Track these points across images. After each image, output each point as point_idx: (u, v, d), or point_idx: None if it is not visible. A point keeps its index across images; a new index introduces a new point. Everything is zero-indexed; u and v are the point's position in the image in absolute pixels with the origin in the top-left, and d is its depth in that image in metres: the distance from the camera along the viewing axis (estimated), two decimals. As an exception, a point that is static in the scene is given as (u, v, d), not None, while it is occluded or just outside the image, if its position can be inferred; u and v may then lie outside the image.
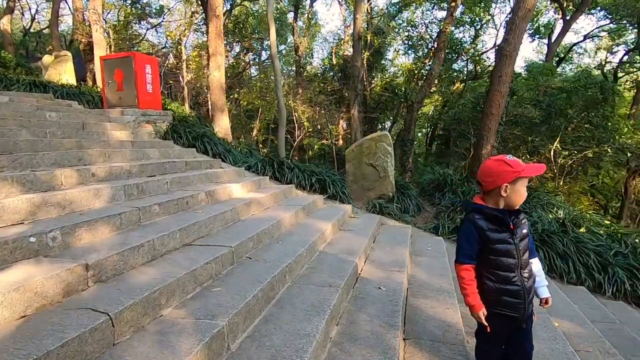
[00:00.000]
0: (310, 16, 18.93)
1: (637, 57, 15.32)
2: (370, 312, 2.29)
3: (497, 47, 6.49)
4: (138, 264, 2.14)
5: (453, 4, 9.57)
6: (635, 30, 13.76)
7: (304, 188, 5.20)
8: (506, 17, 18.34)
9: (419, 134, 20.42)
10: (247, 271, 2.37)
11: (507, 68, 5.90)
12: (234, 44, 16.48)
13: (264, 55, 21.04)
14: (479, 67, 16.39)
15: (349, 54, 16.12)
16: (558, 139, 8.31)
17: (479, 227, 1.59)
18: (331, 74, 17.04)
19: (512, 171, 1.54)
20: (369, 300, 2.46)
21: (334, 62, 17.22)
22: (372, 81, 16.10)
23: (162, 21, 16.32)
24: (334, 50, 18.05)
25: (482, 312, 1.60)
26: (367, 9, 13.75)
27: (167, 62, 14.04)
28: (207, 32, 8.49)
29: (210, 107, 7.99)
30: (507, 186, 1.55)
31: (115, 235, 2.37)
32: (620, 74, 15.73)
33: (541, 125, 8.39)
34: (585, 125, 7.94)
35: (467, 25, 15.59)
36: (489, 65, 16.72)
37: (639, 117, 10.06)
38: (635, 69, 16.01)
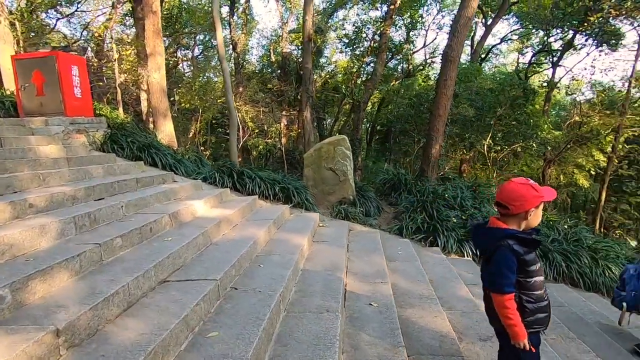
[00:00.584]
0: (246, 11, 18.31)
1: (542, 58, 17.51)
2: (370, 333, 2.26)
3: (442, 53, 6.88)
4: (114, 316, 1.85)
5: (392, 6, 9.94)
6: (540, 34, 15.68)
7: (267, 198, 5.01)
8: (433, 19, 19.67)
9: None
10: (239, 306, 2.18)
11: (451, 72, 6.30)
12: (164, 39, 15.33)
13: (197, 51, 19.92)
14: (411, 65, 17.35)
15: (288, 50, 15.97)
16: (490, 135, 9.15)
17: (517, 252, 1.59)
18: (269, 70, 16.73)
19: (538, 196, 1.59)
20: (365, 319, 2.43)
21: (273, 59, 16.93)
22: (314, 79, 16.18)
23: (76, 11, 14.55)
24: (272, 47, 17.73)
25: (527, 339, 1.61)
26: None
27: (85, 57, 12.53)
28: (135, 27, 7.75)
29: (151, 112, 7.29)
30: (533, 210, 1.60)
31: (77, 281, 2.02)
32: (529, 74, 17.85)
33: (475, 123, 9.17)
34: (513, 122, 8.87)
35: (401, 27, 16.36)
36: (420, 64, 17.85)
37: (551, 114, 11.50)
38: (541, 69, 18.29)
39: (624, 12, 8.17)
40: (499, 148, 9.04)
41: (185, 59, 19.14)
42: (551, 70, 12.28)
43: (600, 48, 11.25)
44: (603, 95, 10.87)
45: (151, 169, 4.88)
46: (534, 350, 1.65)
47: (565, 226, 5.61)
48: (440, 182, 6.74)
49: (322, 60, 18.29)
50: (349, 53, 17.02)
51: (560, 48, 12.88)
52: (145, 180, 4.11)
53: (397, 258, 3.91)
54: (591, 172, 11.44)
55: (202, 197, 3.97)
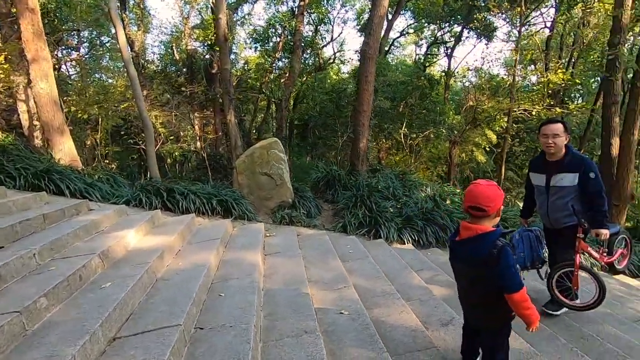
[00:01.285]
0: (141, 5, 16.55)
1: (435, 49, 19.49)
2: (351, 345, 2.25)
3: (360, 51, 7.14)
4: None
5: (302, 2, 9.96)
6: (432, 27, 17.41)
7: (204, 214, 4.64)
8: (338, 13, 20.30)
9: (273, 124, 20.99)
10: (213, 348, 1.97)
11: (371, 68, 6.59)
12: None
13: (82, 50, 17.46)
14: (321, 59, 17.76)
15: (193, 48, 14.96)
16: (405, 124, 9.89)
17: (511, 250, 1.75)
18: (174, 69, 15.50)
19: (502, 193, 1.77)
20: (341, 331, 2.41)
21: (177, 57, 15.70)
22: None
23: None
24: (174, 44, 16.40)
25: None
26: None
27: None
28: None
29: (42, 128, 6.14)
30: (502, 207, 1.76)
31: (0, 368, 1.59)
32: (427, 64, 19.75)
33: (391, 114, 9.82)
34: (423, 111, 9.73)
35: (310, 22, 16.56)
36: (329, 58, 18.36)
37: (450, 100, 12.91)
38: (436, 60, 20.36)
39: (502, 11, 9.50)
40: (414, 135, 9.86)
41: (68, 59, 16.62)
42: (447, 60, 13.72)
43: (480, 40, 13.08)
44: (487, 82, 12.50)
45: (57, 199, 4.12)
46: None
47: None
48: (370, 174, 7.06)
49: (232, 57, 17.60)
50: (259, 49, 16.67)
51: (452, 40, 14.49)
52: (54, 215, 3.44)
53: (350, 257, 3.98)
54: (486, 149, 13.19)
55: (132, 225, 3.50)
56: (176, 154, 15.05)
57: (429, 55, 20.01)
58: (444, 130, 9.33)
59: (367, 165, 7.11)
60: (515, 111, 8.95)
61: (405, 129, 9.72)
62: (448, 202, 5.94)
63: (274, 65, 14.29)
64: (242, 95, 14.38)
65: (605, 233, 2.80)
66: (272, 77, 13.18)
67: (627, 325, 3.54)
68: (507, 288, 1.71)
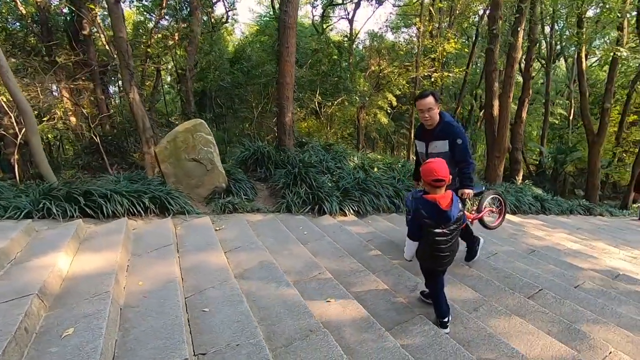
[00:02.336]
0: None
1: (330, 11, 19.57)
2: (354, 332, 2.38)
3: (278, 19, 6.70)
4: None
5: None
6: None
7: (136, 215, 4.05)
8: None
9: (167, 97, 18.87)
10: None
11: (291, 39, 6.31)
12: None
13: None
14: (213, 18, 16.21)
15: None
16: (318, 93, 9.96)
17: None
18: (17, 25, 12.27)
19: None
20: (338, 320, 2.51)
21: (24, 12, 12.43)
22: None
23: None
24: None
25: None
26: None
27: None
28: None
29: None
30: None
31: None
32: (325, 27, 19.80)
33: (303, 82, 9.72)
34: (335, 79, 9.89)
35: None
36: (222, 16, 16.82)
37: (354, 66, 13.37)
38: (332, 22, 20.50)
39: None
40: (330, 104, 10.04)
41: None
42: (349, 26, 13.97)
43: (371, 3, 13.62)
44: (385, 47, 13.25)
45: None
46: None
47: (399, 165, 7.02)
48: (297, 148, 7.04)
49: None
50: (135, 3, 14.18)
51: (349, 1, 14.68)
52: (-64, 250, 2.60)
53: (308, 239, 4.04)
54: (387, 111, 14.29)
55: (56, 246, 2.89)
56: (49, 136, 12.50)
57: (325, 18, 20.03)
58: (357, 98, 9.72)
59: (293, 140, 7.04)
60: (422, 77, 9.80)
61: (319, 97, 9.82)
62: (375, 170, 6.38)
63: (159, 25, 12.46)
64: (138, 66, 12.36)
65: (468, 193, 3.15)
66: (171, 43, 11.55)
67: (527, 258, 4.50)
68: None
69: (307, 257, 3.46)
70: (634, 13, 13.05)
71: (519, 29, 7.58)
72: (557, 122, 22.50)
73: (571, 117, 20.55)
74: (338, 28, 19.95)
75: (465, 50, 15.38)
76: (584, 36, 12.50)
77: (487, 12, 7.94)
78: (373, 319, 2.49)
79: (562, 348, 2.48)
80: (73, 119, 11.96)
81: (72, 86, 11.58)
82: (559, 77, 23.81)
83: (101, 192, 3.89)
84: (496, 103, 8.17)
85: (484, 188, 3.48)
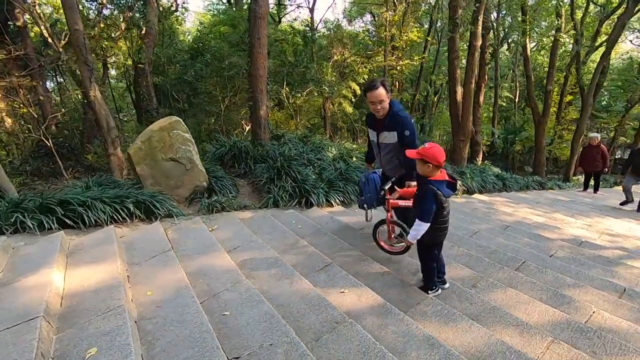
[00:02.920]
0: None
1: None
2: (372, 318, 2.46)
3: (249, 9, 6.46)
4: None
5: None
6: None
7: (120, 221, 3.80)
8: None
9: (114, 93, 17.65)
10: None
11: (263, 30, 6.14)
12: None
13: None
14: (161, 7, 15.29)
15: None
16: (285, 85, 9.83)
17: None
18: None
19: None
20: (358, 310, 2.58)
21: None
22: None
23: None
24: None
25: None
26: None
27: None
28: None
29: None
30: None
31: None
32: (281, 17, 19.44)
33: (271, 73, 9.52)
34: (302, 69, 9.80)
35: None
36: (170, 4, 15.90)
37: (318, 56, 13.31)
38: (288, 12, 20.19)
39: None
40: (299, 95, 9.95)
41: None
42: (309, 15, 13.82)
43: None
44: (347, 37, 13.31)
45: None
46: None
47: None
48: (274, 141, 6.95)
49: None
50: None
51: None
52: None
53: (304, 233, 4.05)
54: (351, 100, 14.44)
55: (48, 263, 2.67)
56: (-13, 139, 11.24)
57: (280, 6, 19.69)
58: (326, 88, 9.73)
59: (269, 133, 6.94)
60: (392, 66, 9.98)
61: (287, 89, 9.70)
62: (354, 159, 6.49)
63: (101, 14, 11.52)
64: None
65: (414, 184, 3.08)
66: (117, 34, 10.72)
67: (504, 233, 4.87)
68: None
69: (310, 250, 3.49)
70: (566, 0, 14.25)
71: (478, 17, 8.02)
72: (504, 104, 24.09)
73: (516, 100, 22.12)
74: (301, 17, 19.77)
75: (427, 38, 15.90)
76: (528, 25, 13.44)
77: (448, 2, 8.27)
78: (389, 304, 2.59)
79: (555, 312, 2.75)
80: (8, 121, 10.81)
81: (3, 84, 10.45)
82: (503, 62, 25.39)
83: (79, 200, 3.61)
84: (459, 89, 8.61)
85: None
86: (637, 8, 12.26)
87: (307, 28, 12.43)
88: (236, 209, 4.76)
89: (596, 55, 22.86)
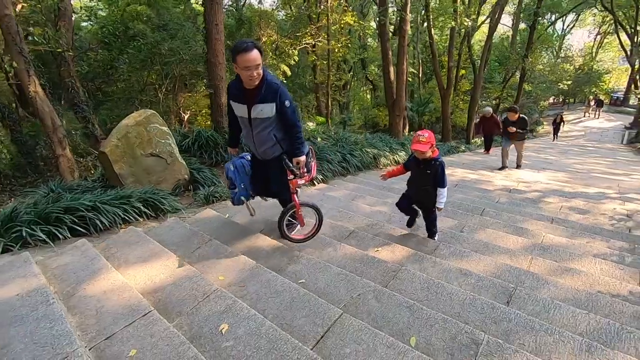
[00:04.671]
0: None
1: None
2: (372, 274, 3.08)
3: None
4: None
5: None
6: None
7: (129, 222, 3.68)
8: None
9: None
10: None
11: (219, 15, 5.98)
12: None
13: None
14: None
15: None
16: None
17: None
18: None
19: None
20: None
21: None
22: None
23: None
24: None
25: None
26: None
27: None
28: None
29: None
30: None
31: None
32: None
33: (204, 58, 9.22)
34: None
35: None
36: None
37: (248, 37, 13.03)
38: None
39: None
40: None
41: None
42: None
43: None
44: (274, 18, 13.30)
45: None
46: None
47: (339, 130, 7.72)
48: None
49: None
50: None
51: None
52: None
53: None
54: (283, 81, 14.63)
55: (98, 268, 2.64)
56: None
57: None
58: (278, 74, 9.77)
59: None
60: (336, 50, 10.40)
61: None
62: (319, 139, 6.95)
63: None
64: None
65: (302, 159, 2.88)
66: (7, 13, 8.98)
67: (458, 190, 5.95)
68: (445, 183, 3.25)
69: (326, 222, 3.93)
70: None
71: (407, 5, 8.93)
72: (409, 79, 26.72)
73: (420, 75, 24.73)
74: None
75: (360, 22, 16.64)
76: (431, 12, 15.17)
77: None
78: (419, 252, 3.25)
79: (523, 240, 3.76)
80: None
81: None
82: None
83: (87, 205, 3.41)
84: (392, 69, 9.57)
85: (308, 147, 3.14)
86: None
87: (234, 9, 12.04)
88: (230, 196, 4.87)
89: (481, 35, 26.61)
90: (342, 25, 10.41)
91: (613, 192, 6.34)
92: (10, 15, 4.59)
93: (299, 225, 3.35)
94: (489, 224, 4.27)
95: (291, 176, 2.91)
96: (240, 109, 2.76)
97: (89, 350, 1.89)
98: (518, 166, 8.29)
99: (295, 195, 3.00)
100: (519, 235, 3.91)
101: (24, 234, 3.02)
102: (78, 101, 7.59)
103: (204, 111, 10.18)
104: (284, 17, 13.91)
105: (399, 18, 9.46)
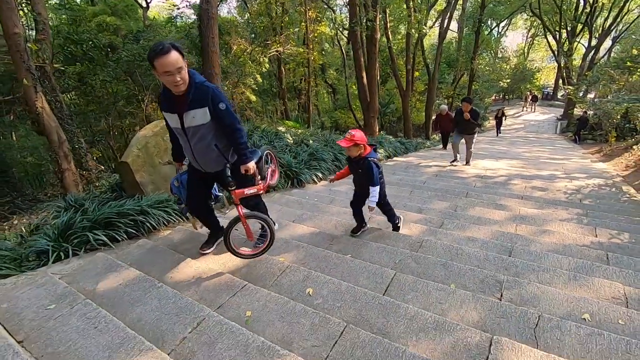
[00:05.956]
0: None
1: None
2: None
3: (201, 10, 6.39)
4: None
5: None
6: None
7: (169, 224, 3.99)
8: None
9: None
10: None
11: (215, 29, 6.31)
12: None
13: None
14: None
15: None
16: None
17: None
18: None
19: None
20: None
21: None
22: None
23: None
24: None
25: None
26: None
27: None
28: None
29: None
30: None
31: None
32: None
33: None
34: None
35: None
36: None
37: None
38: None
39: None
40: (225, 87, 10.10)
41: None
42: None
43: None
44: (241, 26, 13.63)
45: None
46: None
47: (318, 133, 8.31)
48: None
49: None
50: None
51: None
52: None
53: (333, 200, 5.01)
54: (255, 88, 14.94)
55: (175, 259, 3.01)
56: None
57: None
58: (236, 78, 10.11)
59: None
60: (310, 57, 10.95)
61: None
62: (311, 141, 7.51)
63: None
64: None
65: (252, 166, 2.58)
66: None
67: (439, 179, 6.81)
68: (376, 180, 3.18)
69: (348, 210, 4.51)
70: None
71: (376, 14, 9.76)
72: (368, 82, 28.07)
73: (378, 78, 26.07)
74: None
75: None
76: (389, 21, 16.31)
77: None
78: (431, 227, 3.94)
79: (505, 213, 4.62)
80: None
81: None
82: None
83: (136, 210, 3.71)
84: (364, 74, 10.36)
85: (259, 152, 2.99)
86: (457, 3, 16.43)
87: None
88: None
89: (427, 40, 28.58)
90: (316, 35, 11.07)
91: (561, 173, 7.58)
92: (19, 34, 4.65)
93: (268, 238, 2.83)
94: (475, 203, 5.10)
95: (231, 187, 2.58)
96: (172, 119, 2.48)
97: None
98: (467, 162, 8.18)
99: (239, 207, 2.63)
100: (501, 210, 4.77)
101: (90, 238, 3.28)
102: (62, 115, 7.47)
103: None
104: (251, 26, 14.26)
105: (370, 28, 10.29)
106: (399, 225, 3.78)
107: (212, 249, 3.21)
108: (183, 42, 8.99)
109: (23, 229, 4.58)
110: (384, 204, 3.56)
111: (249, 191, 2.63)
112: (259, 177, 2.77)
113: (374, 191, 3.10)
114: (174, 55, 2.19)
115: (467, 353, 1.97)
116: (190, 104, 2.36)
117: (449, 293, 2.55)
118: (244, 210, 2.69)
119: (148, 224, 3.73)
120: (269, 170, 3.15)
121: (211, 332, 2.09)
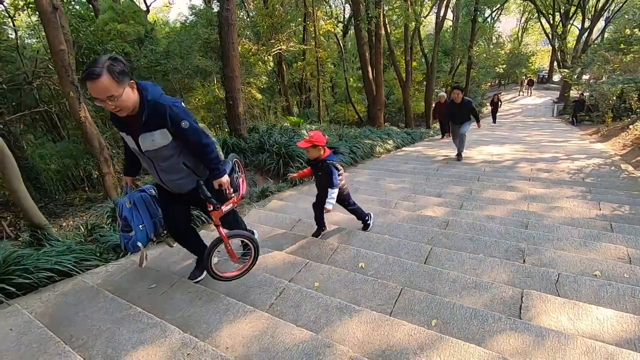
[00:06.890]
0: None
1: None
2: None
3: (221, 17, 6.76)
4: None
5: None
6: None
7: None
8: None
9: None
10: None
11: (234, 35, 6.69)
12: None
13: None
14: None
15: None
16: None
17: None
18: None
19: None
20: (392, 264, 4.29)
21: None
22: None
23: None
24: None
25: None
26: None
27: None
28: None
29: None
30: None
31: None
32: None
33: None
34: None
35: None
36: None
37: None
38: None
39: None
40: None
41: None
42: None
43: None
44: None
45: None
46: None
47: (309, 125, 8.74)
48: (251, 133, 7.74)
49: None
50: None
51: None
52: None
53: (356, 189, 5.45)
54: (260, 87, 15.31)
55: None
56: None
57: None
58: (256, 82, 10.52)
59: (245, 128, 7.69)
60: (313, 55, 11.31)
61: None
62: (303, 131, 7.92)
63: None
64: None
65: (225, 180, 2.38)
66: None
67: (450, 166, 7.26)
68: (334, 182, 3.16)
69: (374, 199, 4.97)
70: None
71: (380, 11, 10.11)
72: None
73: (376, 69, 26.35)
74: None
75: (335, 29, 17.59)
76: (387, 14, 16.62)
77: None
78: (452, 209, 4.41)
79: (516, 194, 5.08)
80: None
81: None
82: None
83: (190, 206, 4.16)
84: (369, 69, 10.74)
85: (230, 162, 2.72)
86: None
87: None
88: (279, 191, 5.74)
89: (423, 29, 28.81)
90: (322, 33, 11.42)
91: (562, 155, 8.06)
92: (64, 50, 5.04)
93: (252, 253, 2.67)
94: (488, 186, 5.56)
95: (211, 207, 2.35)
96: (128, 140, 2.19)
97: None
98: (459, 154, 7.65)
99: (220, 228, 2.43)
100: (512, 191, 5.24)
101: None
102: (97, 123, 7.88)
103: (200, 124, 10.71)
104: (253, 24, 14.57)
105: (375, 24, 10.65)
106: (369, 222, 3.80)
107: (203, 276, 2.87)
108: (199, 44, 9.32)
109: (75, 229, 5.00)
110: (347, 205, 3.63)
111: (225, 208, 2.44)
112: (231, 189, 2.50)
113: (332, 193, 3.14)
114: (104, 81, 1.82)
115: (503, 304, 2.44)
116: (144, 126, 2.05)
117: (480, 261, 3.02)
118: (225, 231, 2.46)
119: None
120: (240, 180, 2.89)
121: (294, 298, 2.55)
